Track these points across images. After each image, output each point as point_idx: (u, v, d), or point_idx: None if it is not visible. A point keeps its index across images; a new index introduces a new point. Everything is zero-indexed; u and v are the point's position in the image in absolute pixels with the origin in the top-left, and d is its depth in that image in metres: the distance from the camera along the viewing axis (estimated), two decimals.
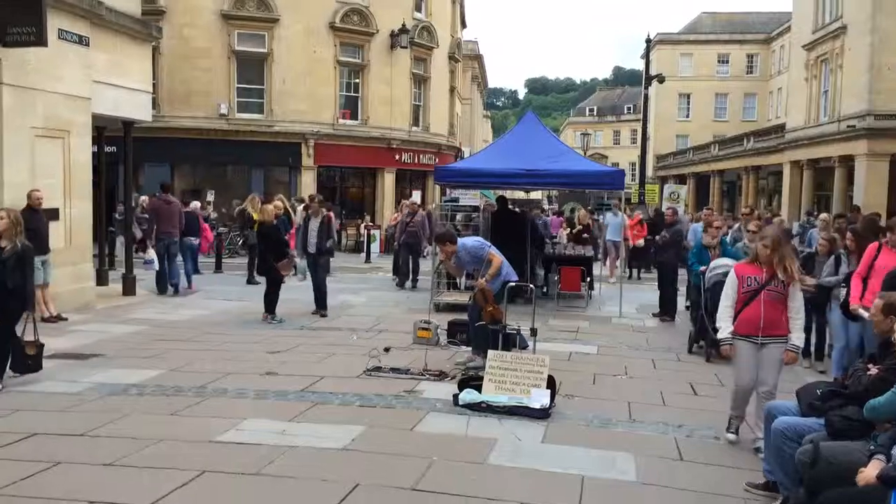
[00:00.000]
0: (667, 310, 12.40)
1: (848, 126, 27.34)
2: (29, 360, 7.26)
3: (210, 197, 24.04)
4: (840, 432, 4.22)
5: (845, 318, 7.56)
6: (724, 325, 5.71)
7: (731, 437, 5.94)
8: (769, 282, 5.55)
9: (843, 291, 7.60)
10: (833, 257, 8.32)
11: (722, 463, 5.50)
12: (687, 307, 11.89)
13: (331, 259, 18.12)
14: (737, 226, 13.12)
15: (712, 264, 9.08)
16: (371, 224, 25.03)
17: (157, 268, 14.04)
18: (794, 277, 5.59)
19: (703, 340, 9.33)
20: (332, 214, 13.77)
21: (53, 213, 11.19)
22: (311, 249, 11.93)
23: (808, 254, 9.14)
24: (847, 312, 7.32)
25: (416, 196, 28.20)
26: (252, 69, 25.50)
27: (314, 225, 11.94)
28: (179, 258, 14.55)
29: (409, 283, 15.79)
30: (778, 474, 4.59)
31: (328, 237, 12.02)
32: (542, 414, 6.43)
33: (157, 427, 5.90)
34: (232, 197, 23.16)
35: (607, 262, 18.34)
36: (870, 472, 3.63)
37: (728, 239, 10.92)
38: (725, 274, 7.84)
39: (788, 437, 4.47)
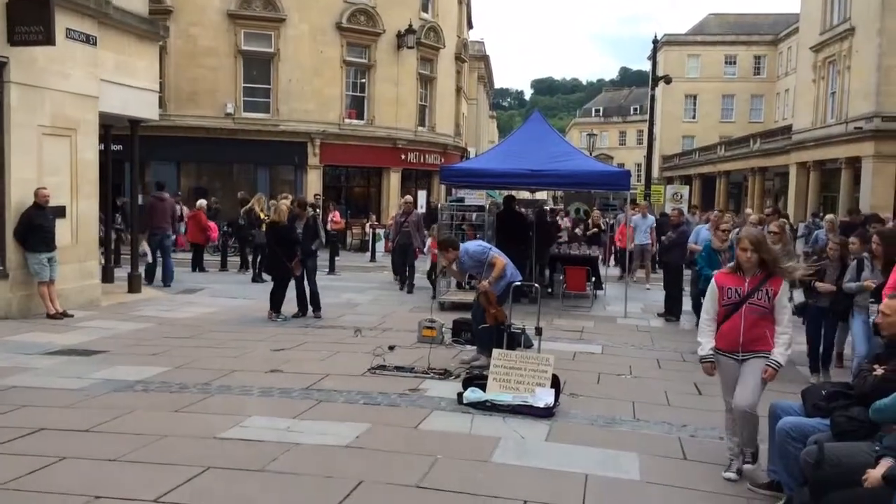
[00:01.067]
0: (672, 310, 12.38)
1: (855, 127, 27.28)
2: None
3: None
4: (845, 433, 4.21)
5: (868, 327, 7.12)
6: (705, 341, 5.17)
7: (732, 475, 5.10)
8: (752, 294, 4.96)
9: (874, 307, 6.81)
10: (856, 261, 7.73)
11: (723, 462, 5.48)
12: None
13: (336, 258, 18.22)
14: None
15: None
16: (376, 223, 25.07)
17: (149, 260, 15.27)
18: (788, 275, 5.06)
19: None
20: (338, 213, 13.83)
21: (60, 211, 11.24)
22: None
23: (818, 260, 8.33)
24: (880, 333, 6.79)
25: (421, 196, 28.25)
26: (258, 68, 25.57)
27: (299, 227, 11.77)
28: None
29: (406, 287, 15.25)
30: (782, 474, 4.58)
31: (314, 237, 11.98)
32: (546, 413, 6.43)
33: (161, 423, 5.91)
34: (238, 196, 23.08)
35: (633, 266, 16.90)
36: (876, 474, 3.62)
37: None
38: None
39: (793, 437, 4.45)
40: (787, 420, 4.60)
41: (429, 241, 15.36)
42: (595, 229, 18.90)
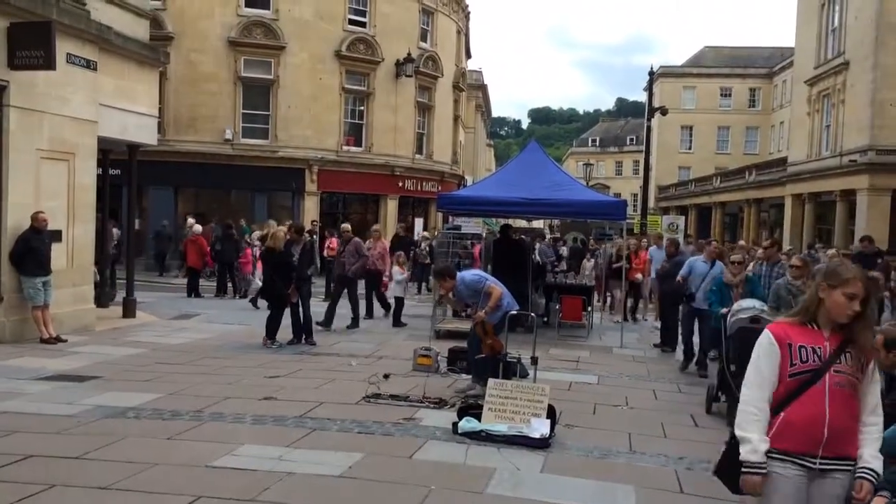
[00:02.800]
0: (667, 340, 12.35)
1: (850, 160, 27.46)
2: None
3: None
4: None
5: None
6: (752, 435, 3.17)
7: None
8: (838, 357, 3.18)
9: None
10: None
11: (722, 497, 5.37)
12: (711, 357, 9.95)
13: (332, 284, 18.07)
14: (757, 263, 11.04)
15: (735, 306, 7.92)
16: None
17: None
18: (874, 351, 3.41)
19: (726, 397, 7.75)
20: (335, 240, 13.79)
21: (57, 235, 11.22)
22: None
23: None
24: None
25: (418, 224, 28.34)
26: (258, 95, 25.73)
27: (296, 252, 11.67)
28: None
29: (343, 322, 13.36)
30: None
31: (310, 264, 11.95)
32: (541, 443, 6.38)
33: (153, 451, 5.84)
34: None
35: (652, 299, 16.46)
36: None
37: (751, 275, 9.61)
38: (753, 320, 7.25)
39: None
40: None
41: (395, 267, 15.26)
42: (619, 263, 15.49)
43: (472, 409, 7.00)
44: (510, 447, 6.30)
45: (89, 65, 11.74)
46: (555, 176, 14.02)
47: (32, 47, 10.18)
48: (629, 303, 16.38)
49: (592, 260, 21.06)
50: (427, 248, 21.40)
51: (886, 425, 4.03)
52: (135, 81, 13.43)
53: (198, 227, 20.38)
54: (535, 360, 7.62)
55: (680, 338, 11.46)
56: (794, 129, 36.58)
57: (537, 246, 19.03)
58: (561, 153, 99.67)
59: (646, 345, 12.80)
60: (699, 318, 10.24)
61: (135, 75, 13.43)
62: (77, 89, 11.55)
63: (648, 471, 5.93)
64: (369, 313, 14.84)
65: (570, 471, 5.84)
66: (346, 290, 13.58)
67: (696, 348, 10.46)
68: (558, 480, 5.59)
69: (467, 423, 6.68)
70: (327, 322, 12.96)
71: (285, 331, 11.42)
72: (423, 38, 29.65)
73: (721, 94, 58.39)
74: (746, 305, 7.81)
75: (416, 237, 24.39)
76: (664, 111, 28.10)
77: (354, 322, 13.50)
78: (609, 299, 17.41)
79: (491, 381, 7.08)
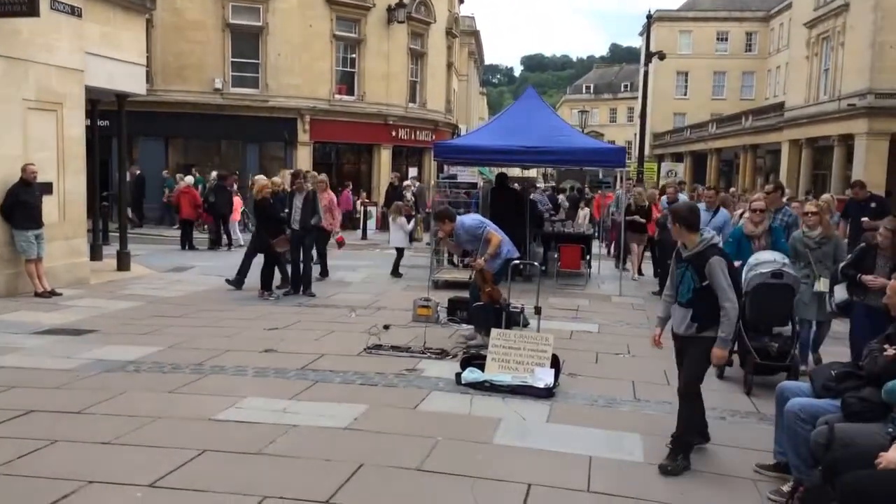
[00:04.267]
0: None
1: (848, 104, 27.22)
2: None
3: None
4: (856, 414, 4.13)
5: None
6: None
7: None
8: None
9: None
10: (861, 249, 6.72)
11: (729, 443, 5.42)
12: None
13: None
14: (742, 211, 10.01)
15: (752, 259, 7.14)
16: (367, 200, 24.85)
17: None
18: None
19: (741, 358, 7.09)
20: (347, 191, 13.24)
21: (47, 188, 11.02)
22: (296, 226, 11.30)
23: (863, 248, 6.77)
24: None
25: (412, 173, 28.02)
26: (247, 43, 25.11)
27: (298, 202, 11.35)
28: None
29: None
30: (791, 456, 4.50)
31: (313, 213, 11.63)
32: (546, 393, 6.34)
33: (154, 405, 5.79)
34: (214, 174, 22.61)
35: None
36: (891, 456, 3.54)
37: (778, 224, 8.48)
38: (774, 275, 6.71)
39: (802, 418, 4.38)
40: (795, 401, 4.52)
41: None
42: (635, 215, 14.14)
43: (474, 359, 6.96)
44: (515, 397, 6.27)
45: (74, 11, 11.37)
46: (552, 123, 13.78)
47: None
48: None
49: (587, 209, 20.91)
50: (412, 198, 20.83)
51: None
52: (121, 28, 13.03)
53: (189, 178, 20.15)
54: (538, 310, 7.53)
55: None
56: (791, 73, 36.18)
57: (532, 195, 18.74)
58: (555, 101, 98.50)
59: (644, 292, 12.76)
60: None
61: (121, 22, 13.03)
62: (62, 37, 11.20)
63: (654, 418, 5.91)
64: (323, 272, 13.14)
65: (575, 420, 5.82)
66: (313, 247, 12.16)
67: None
68: (565, 430, 5.57)
69: (471, 374, 6.64)
70: (239, 282, 11.69)
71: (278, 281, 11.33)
72: None
73: (717, 39, 57.54)
74: (766, 258, 7.01)
75: (414, 185, 24.09)
76: (662, 56, 27.61)
77: (284, 280, 11.73)
78: (621, 254, 14.76)
79: (494, 332, 7.02)
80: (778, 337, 6.94)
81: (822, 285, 7.34)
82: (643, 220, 14.24)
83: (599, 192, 21.89)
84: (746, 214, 8.36)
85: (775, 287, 6.78)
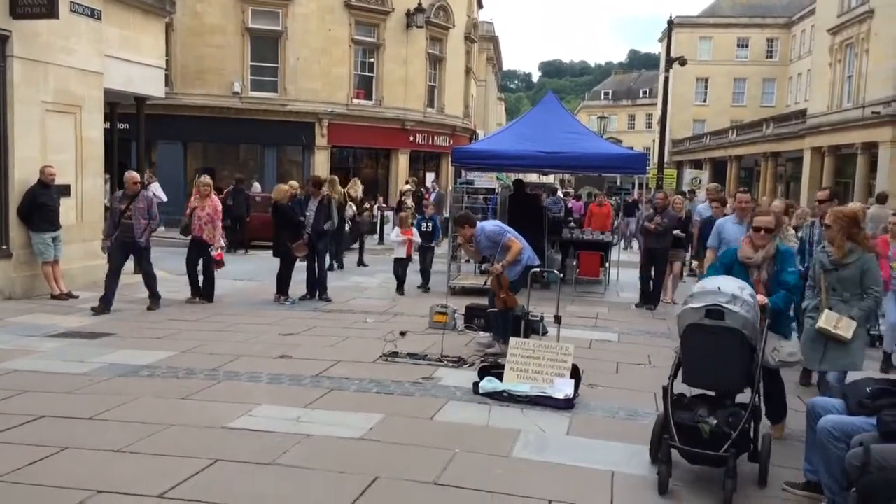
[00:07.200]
0: (652, 298, 11.78)
1: (872, 112, 26.81)
2: None
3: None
4: (893, 434, 3.95)
5: None
6: None
7: None
8: None
9: None
10: None
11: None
12: None
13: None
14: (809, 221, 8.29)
15: (696, 286, 5.18)
16: (384, 205, 24.76)
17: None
18: None
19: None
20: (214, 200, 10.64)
21: (65, 190, 11.02)
22: (310, 231, 11.19)
23: None
24: None
25: (429, 178, 27.87)
26: (266, 47, 25.18)
27: (312, 206, 11.33)
28: None
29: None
30: (823, 476, 4.32)
31: (327, 218, 11.58)
32: (565, 404, 6.19)
33: (167, 411, 5.69)
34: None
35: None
36: None
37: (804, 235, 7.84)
38: (710, 313, 4.69)
39: (835, 436, 4.19)
40: (828, 419, 4.33)
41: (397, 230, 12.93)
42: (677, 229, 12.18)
43: (492, 368, 6.82)
44: (534, 408, 6.12)
45: (93, 13, 11.38)
46: (572, 128, 13.66)
47: None
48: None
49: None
50: (412, 204, 19.24)
51: None
52: (140, 31, 13.06)
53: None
54: (558, 319, 7.36)
55: None
56: (814, 80, 35.74)
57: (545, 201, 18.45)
58: (573, 107, 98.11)
59: (666, 301, 12.52)
60: None
61: (140, 25, 13.06)
62: (81, 39, 11.21)
63: None
64: (205, 294, 10.95)
65: (596, 433, 5.65)
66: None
67: None
68: (586, 443, 5.41)
69: (488, 384, 6.49)
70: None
71: (295, 286, 11.24)
72: None
73: (738, 45, 57.06)
74: (709, 287, 4.93)
75: (433, 191, 23.96)
76: (683, 62, 27.31)
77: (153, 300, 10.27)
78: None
79: (512, 340, 6.87)
80: (725, 409, 4.71)
81: (824, 319, 5.39)
82: (682, 234, 12.50)
83: (597, 197, 19.57)
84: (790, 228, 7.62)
85: (712, 333, 4.67)
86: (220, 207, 11.03)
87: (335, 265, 14.74)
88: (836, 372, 5.55)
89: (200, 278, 10.94)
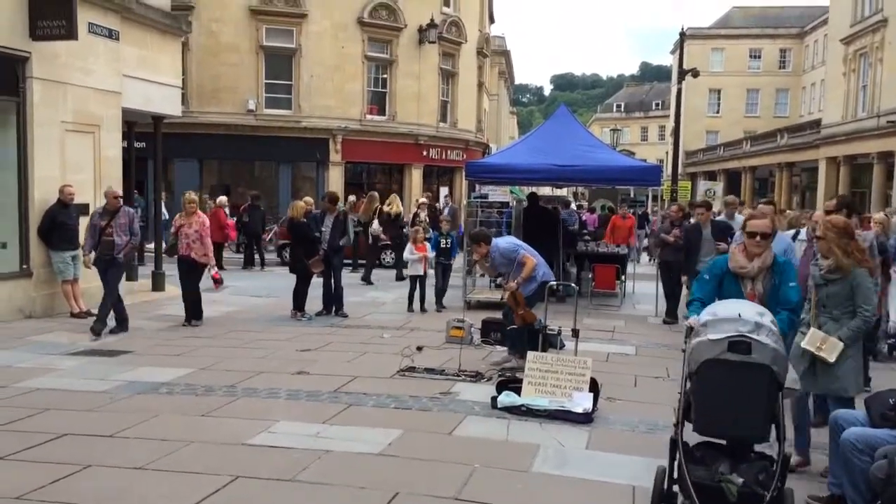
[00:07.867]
0: (673, 312, 11.57)
1: (888, 121, 26.65)
2: None
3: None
4: None
5: None
6: None
7: None
8: None
9: None
10: None
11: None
12: None
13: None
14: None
15: (708, 313, 4.27)
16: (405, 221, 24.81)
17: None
18: None
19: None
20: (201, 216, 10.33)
21: (84, 209, 11.12)
22: (325, 247, 11.24)
23: None
24: None
25: (443, 192, 27.90)
26: (280, 64, 25.43)
27: (328, 222, 11.39)
28: None
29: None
30: (847, 489, 4.28)
31: (342, 234, 11.61)
32: (584, 419, 6.16)
33: (187, 428, 5.72)
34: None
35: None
36: None
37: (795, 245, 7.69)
38: (734, 346, 3.95)
39: (859, 449, 4.15)
40: (851, 431, 4.29)
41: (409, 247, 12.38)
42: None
43: (510, 382, 6.81)
44: (552, 422, 6.09)
45: (111, 34, 11.54)
46: (585, 141, 13.66)
47: (54, 17, 9.99)
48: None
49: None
50: (426, 221, 17.55)
51: None
52: (157, 51, 13.22)
53: (222, 199, 20.26)
54: (576, 333, 7.34)
55: None
56: (828, 90, 35.61)
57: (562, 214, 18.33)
58: (585, 119, 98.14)
59: (681, 313, 12.46)
60: None
61: (157, 45, 13.21)
62: (100, 59, 11.36)
63: None
64: (195, 316, 10.52)
65: (616, 447, 5.63)
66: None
67: None
68: (606, 458, 5.38)
69: (506, 398, 6.48)
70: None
71: (312, 302, 11.28)
72: (446, 2, 29.04)
73: (750, 56, 56.97)
74: (727, 314, 4.12)
75: (445, 205, 23.98)
76: (696, 73, 27.32)
77: (120, 325, 9.74)
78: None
79: (530, 355, 6.86)
80: (750, 463, 3.97)
81: (809, 339, 4.98)
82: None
83: (623, 210, 19.42)
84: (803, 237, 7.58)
85: (736, 370, 3.92)
86: (207, 224, 10.57)
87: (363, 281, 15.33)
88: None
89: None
